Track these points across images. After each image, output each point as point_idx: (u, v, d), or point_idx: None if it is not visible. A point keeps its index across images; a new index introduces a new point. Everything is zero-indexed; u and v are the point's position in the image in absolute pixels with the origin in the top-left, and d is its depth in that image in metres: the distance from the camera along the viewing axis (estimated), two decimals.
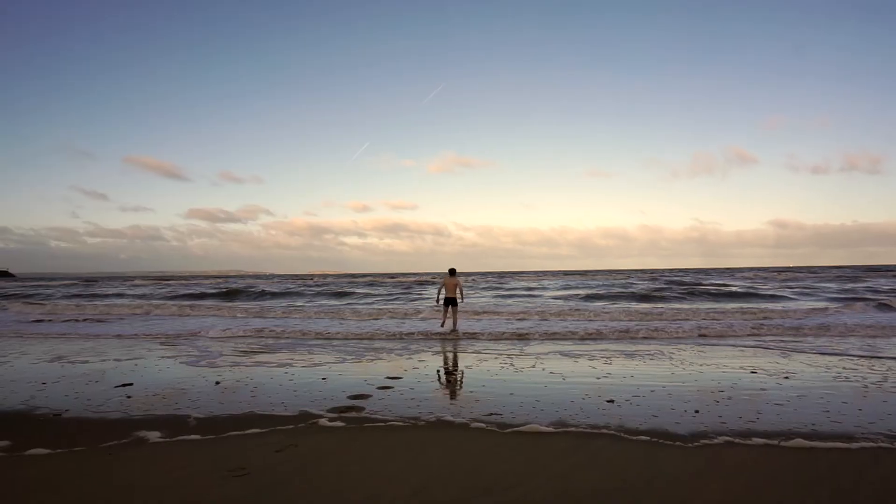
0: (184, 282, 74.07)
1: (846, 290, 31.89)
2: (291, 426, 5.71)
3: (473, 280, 62.04)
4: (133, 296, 39.84)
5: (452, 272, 15.52)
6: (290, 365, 9.74)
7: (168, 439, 5.28)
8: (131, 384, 8.04)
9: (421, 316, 19.99)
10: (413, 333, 14.74)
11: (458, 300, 15.20)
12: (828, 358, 9.80)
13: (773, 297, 28.01)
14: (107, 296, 40.06)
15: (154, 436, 5.38)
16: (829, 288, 35.02)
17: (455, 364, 9.86)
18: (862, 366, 8.90)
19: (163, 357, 10.94)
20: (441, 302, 15.40)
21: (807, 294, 30.16)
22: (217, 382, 8.16)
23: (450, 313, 15.12)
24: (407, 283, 56.31)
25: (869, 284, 38.35)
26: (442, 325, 15.04)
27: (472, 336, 14.00)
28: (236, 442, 5.19)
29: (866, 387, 7.29)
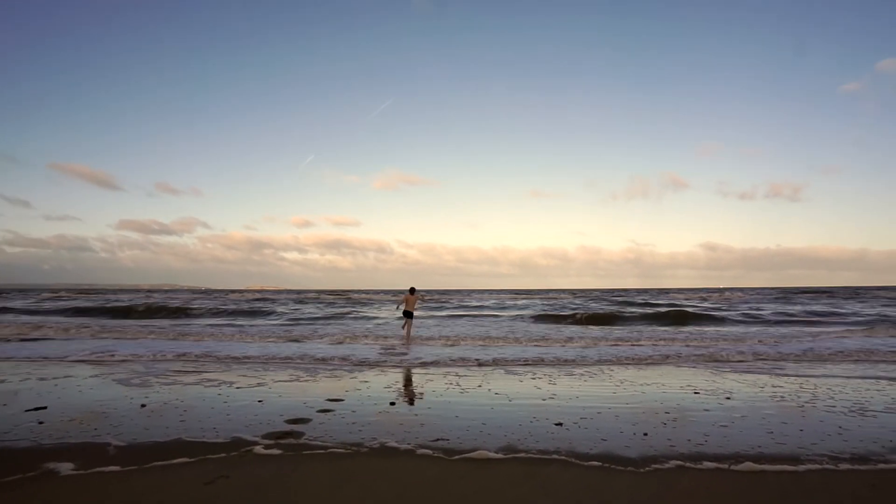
0: (110, 296, 70.41)
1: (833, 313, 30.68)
2: (223, 454, 5.29)
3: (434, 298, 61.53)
4: (44, 311, 37.44)
5: (412, 290, 18.02)
6: (225, 385, 9.20)
7: (82, 472, 4.77)
8: (45, 408, 7.36)
9: (364, 334, 19.56)
10: (354, 354, 14.34)
11: (415, 313, 18.12)
12: (759, 377, 10.03)
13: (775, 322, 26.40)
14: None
15: (66, 468, 4.85)
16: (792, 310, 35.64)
17: (400, 384, 9.55)
18: (792, 385, 9.13)
19: (86, 377, 10.15)
20: (401, 314, 18.23)
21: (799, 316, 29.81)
22: (143, 405, 7.57)
23: (410, 326, 17.65)
24: (349, 301, 55.52)
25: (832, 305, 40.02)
26: (403, 328, 17.89)
27: (418, 356, 13.73)
28: (160, 474, 4.74)
29: (802, 406, 7.46)
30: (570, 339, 17.83)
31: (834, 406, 7.45)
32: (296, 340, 17.72)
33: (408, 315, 17.64)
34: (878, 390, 8.70)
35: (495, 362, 12.29)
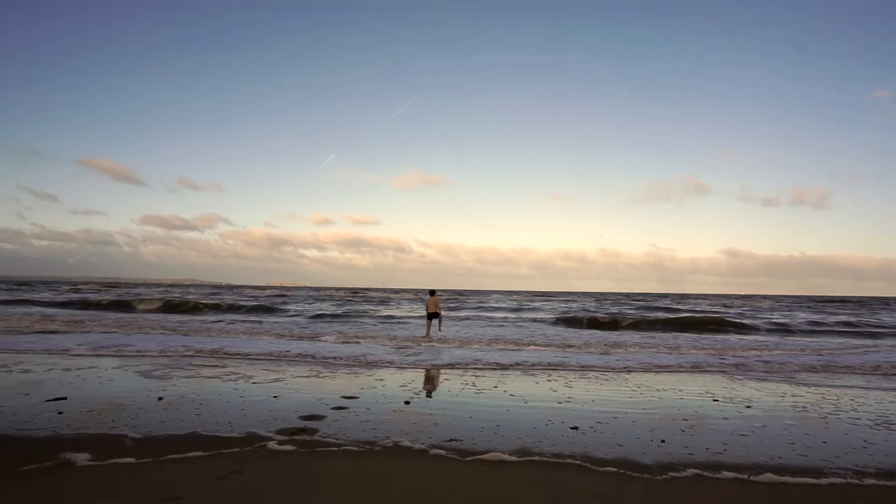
0: (127, 290, 71.57)
1: None
2: (237, 449, 5.31)
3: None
4: (59, 303, 38.15)
5: (432, 293, 18.86)
6: (242, 380, 9.26)
7: (98, 462, 4.82)
8: (65, 398, 7.46)
9: (381, 333, 19.60)
10: (370, 352, 14.37)
11: (440, 312, 18.82)
12: (780, 385, 9.83)
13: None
14: (20, 302, 37.49)
15: (82, 458, 4.90)
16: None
17: (415, 384, 9.52)
18: (814, 394, 8.93)
19: (108, 368, 10.29)
20: (426, 315, 18.87)
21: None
22: (160, 398, 7.64)
23: (433, 324, 18.56)
24: (366, 299, 55.73)
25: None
26: (426, 334, 18.16)
27: (435, 356, 13.71)
28: (175, 466, 4.77)
29: (825, 417, 7.29)
30: (588, 342, 17.67)
31: (858, 418, 7.26)
32: (312, 338, 17.79)
33: (432, 316, 18.52)
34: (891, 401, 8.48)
35: (511, 364, 12.20)
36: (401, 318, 29.20)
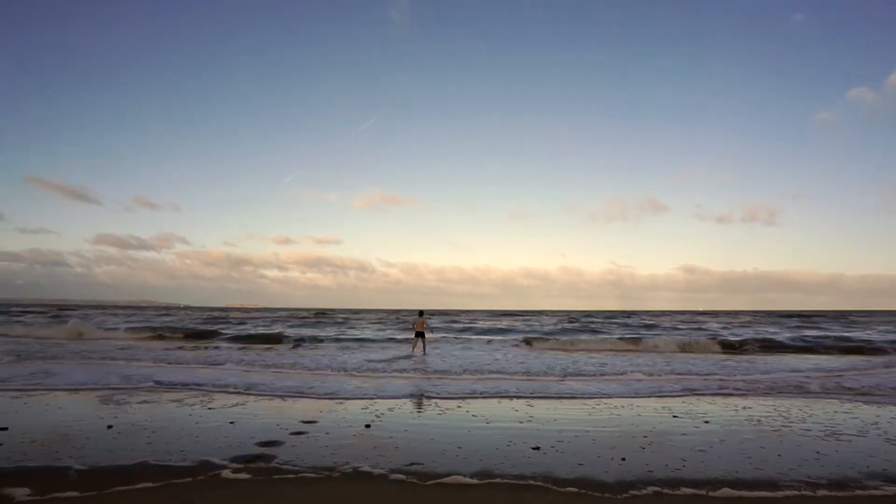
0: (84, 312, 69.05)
1: None
2: (189, 479, 5.11)
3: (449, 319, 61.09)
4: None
5: (421, 313, 20.30)
6: (198, 405, 8.97)
7: (38, 497, 4.56)
8: (5, 429, 7.08)
9: (345, 354, 19.31)
10: (331, 371, 14.14)
11: (426, 333, 20.59)
12: (734, 400, 10.02)
13: None
14: None
15: (21, 493, 4.64)
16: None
17: (376, 406, 9.36)
18: (770, 407, 9.13)
19: (54, 396, 9.83)
20: (413, 335, 20.33)
21: None
22: (109, 426, 7.33)
23: (419, 344, 19.73)
24: (323, 321, 54.98)
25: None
26: (412, 351, 19.66)
27: (398, 376, 13.57)
28: (121, 499, 4.56)
29: (778, 430, 7.44)
30: (547, 362, 17.75)
31: (809, 430, 7.45)
32: (275, 366, 17.41)
33: (418, 335, 19.95)
34: (845, 412, 8.74)
35: (474, 384, 12.14)
36: (365, 337, 28.78)
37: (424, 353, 19.33)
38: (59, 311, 69.68)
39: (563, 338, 29.06)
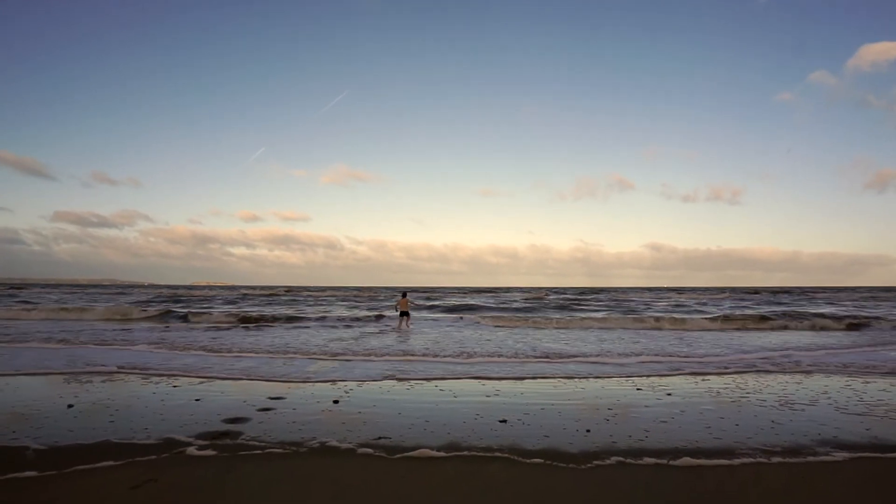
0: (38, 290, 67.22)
1: None
2: (153, 456, 5.04)
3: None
4: None
5: (405, 294, 22.34)
6: (163, 383, 8.83)
7: None
8: None
9: (314, 330, 19.21)
10: (300, 349, 14.06)
11: (409, 311, 22.07)
12: (696, 376, 10.32)
13: None
14: None
15: None
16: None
17: (345, 382, 9.34)
18: (732, 381, 9.42)
19: (12, 375, 9.56)
20: (398, 313, 21.84)
21: None
22: (70, 405, 7.17)
23: (404, 322, 21.13)
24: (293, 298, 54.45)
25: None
26: (399, 328, 20.76)
27: (368, 352, 13.56)
28: (82, 478, 4.47)
29: (737, 401, 7.68)
30: (515, 336, 17.98)
31: (765, 401, 7.71)
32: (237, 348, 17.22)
33: (403, 314, 21.48)
34: (797, 383, 9.07)
35: (442, 358, 12.23)
36: (335, 314, 28.63)
37: (409, 328, 20.94)
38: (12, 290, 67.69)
39: (542, 314, 29.47)
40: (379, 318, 26.19)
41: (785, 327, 22.23)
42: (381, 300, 48.27)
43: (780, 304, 41.99)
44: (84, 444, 5.45)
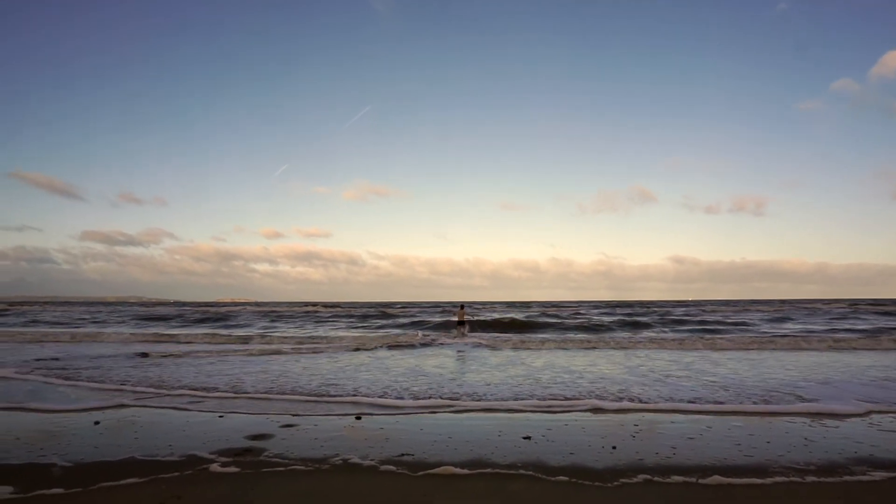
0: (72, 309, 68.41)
1: None
2: (176, 473, 5.05)
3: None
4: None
5: (462, 306, 26.87)
6: (185, 397, 8.88)
7: (21, 495, 4.49)
8: None
9: (336, 346, 19.25)
10: (324, 367, 14.07)
11: (466, 320, 26.11)
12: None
13: None
14: None
15: (5, 491, 4.56)
16: None
17: (370, 398, 9.30)
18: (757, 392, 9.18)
19: (36, 389, 9.70)
20: (457, 323, 25.82)
21: None
22: (97, 422, 7.24)
23: (463, 329, 24.74)
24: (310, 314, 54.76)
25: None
26: (458, 332, 24.39)
27: (390, 368, 13.52)
28: (107, 495, 4.49)
29: (767, 416, 7.47)
30: (542, 349, 17.81)
31: (794, 418, 7.49)
32: (266, 354, 17.31)
33: (460, 324, 25.28)
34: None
35: (464, 372, 12.13)
36: (356, 325, 28.69)
37: (466, 334, 24.08)
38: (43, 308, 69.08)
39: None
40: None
41: None
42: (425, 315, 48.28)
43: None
44: (109, 460, 5.48)
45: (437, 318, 37.79)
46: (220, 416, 7.60)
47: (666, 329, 28.56)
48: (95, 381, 10.83)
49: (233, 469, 5.19)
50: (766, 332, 25.35)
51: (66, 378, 11.20)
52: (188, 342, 21.58)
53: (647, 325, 30.73)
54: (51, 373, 11.97)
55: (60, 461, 5.43)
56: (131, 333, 25.31)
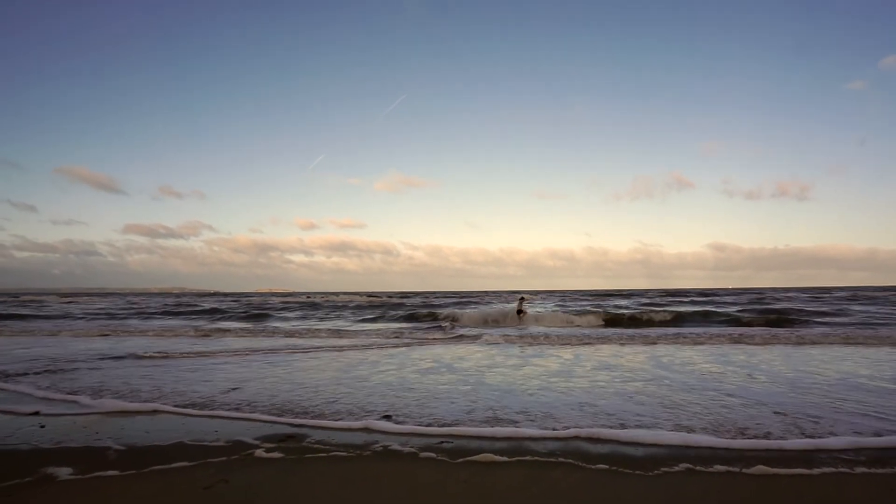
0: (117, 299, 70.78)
1: None
2: (224, 458, 5.22)
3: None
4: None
5: (522, 298, 28.42)
6: (231, 379, 9.14)
7: (80, 476, 4.71)
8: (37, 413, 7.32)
9: (374, 333, 19.50)
10: (361, 355, 14.28)
11: (525, 309, 27.39)
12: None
13: None
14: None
15: (65, 472, 4.79)
16: None
17: (406, 384, 9.41)
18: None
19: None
20: (517, 311, 27.10)
21: None
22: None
23: (523, 316, 26.54)
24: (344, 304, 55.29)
25: None
26: (520, 319, 26.22)
27: (425, 356, 13.64)
28: (159, 478, 4.68)
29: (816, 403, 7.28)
30: (581, 336, 17.67)
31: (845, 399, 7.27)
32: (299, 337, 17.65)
33: (519, 312, 26.82)
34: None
35: (505, 358, 12.14)
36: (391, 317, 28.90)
37: (525, 322, 25.85)
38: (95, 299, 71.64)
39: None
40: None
41: None
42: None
43: None
44: (159, 445, 5.69)
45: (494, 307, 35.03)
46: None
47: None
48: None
49: (276, 455, 5.33)
50: None
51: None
52: (235, 335, 22.15)
53: (789, 319, 25.44)
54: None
55: (115, 445, 5.67)
56: (195, 329, 26.08)
